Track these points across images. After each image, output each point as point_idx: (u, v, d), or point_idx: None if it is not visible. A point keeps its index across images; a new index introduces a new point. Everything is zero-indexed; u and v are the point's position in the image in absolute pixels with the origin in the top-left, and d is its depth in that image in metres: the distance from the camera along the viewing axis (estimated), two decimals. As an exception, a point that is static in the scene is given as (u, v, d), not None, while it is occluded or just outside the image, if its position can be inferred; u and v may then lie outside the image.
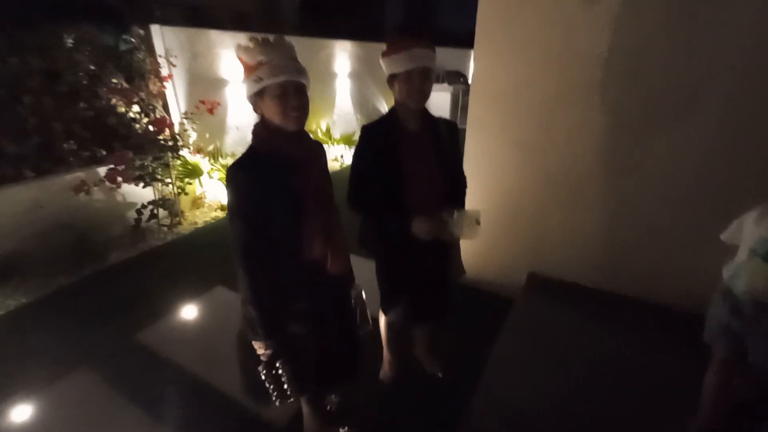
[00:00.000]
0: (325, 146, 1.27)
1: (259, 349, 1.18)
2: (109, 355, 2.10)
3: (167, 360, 2.06)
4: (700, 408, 1.44)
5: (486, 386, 1.70)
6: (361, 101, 7.06)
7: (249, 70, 1.06)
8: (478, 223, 1.38)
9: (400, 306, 1.68)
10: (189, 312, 2.44)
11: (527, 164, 2.24)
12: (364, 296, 1.42)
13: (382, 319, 1.79)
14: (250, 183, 1.05)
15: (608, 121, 1.97)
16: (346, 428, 1.65)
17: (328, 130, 6.01)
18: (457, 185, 1.61)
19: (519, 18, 2.02)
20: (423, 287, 1.63)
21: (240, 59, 1.07)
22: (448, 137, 1.50)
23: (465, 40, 4.29)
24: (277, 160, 1.08)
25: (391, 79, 1.38)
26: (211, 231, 3.64)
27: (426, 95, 1.38)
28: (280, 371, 1.17)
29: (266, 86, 1.04)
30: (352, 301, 1.38)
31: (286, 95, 1.04)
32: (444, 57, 9.04)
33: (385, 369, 1.93)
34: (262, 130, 1.10)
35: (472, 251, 2.45)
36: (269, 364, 1.16)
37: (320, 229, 1.16)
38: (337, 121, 6.52)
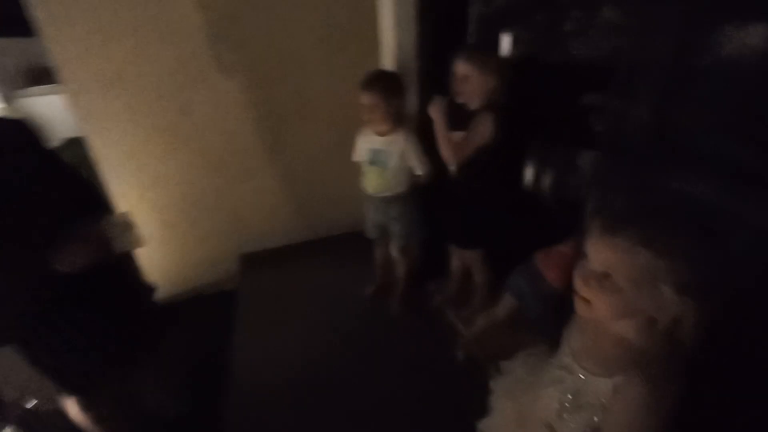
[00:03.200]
0: None
1: None
2: None
3: None
4: None
5: (239, 373, 1.66)
6: None
7: None
8: (131, 227, 1.18)
9: (87, 377, 1.27)
10: None
11: (182, 147, 2.05)
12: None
13: (71, 405, 1.33)
14: None
15: (243, 87, 2.02)
16: None
17: None
18: (83, 192, 1.26)
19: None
20: (104, 337, 1.27)
21: None
22: (25, 145, 1.11)
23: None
24: None
25: None
26: None
27: None
28: None
29: None
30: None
31: None
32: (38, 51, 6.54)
33: None
34: None
35: (168, 260, 2.16)
36: None
37: None
38: None
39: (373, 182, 1.75)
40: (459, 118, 1.47)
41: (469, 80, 1.40)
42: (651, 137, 0.99)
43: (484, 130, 1.41)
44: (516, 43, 1.50)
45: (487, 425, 1.01)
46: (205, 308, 2.27)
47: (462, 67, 1.41)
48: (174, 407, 1.69)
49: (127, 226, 1.16)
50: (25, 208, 1.06)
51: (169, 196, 2.10)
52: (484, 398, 1.06)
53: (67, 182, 1.23)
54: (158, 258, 2.09)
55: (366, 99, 1.59)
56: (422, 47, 1.63)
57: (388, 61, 1.85)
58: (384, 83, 1.59)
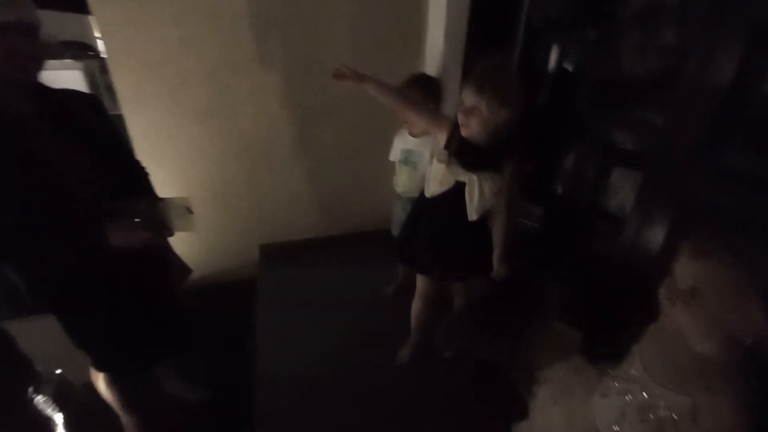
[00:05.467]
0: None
1: None
2: None
3: None
4: None
5: (264, 361, 1.65)
6: None
7: None
8: (189, 211, 1.20)
9: (121, 356, 1.28)
10: None
11: (216, 133, 2.05)
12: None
13: (100, 379, 1.37)
14: None
15: (281, 79, 2.02)
16: None
17: None
18: (134, 173, 1.29)
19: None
20: (142, 318, 1.28)
21: None
22: (93, 115, 1.14)
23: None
24: None
25: None
26: None
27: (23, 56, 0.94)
28: None
29: None
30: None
31: None
32: (51, 24, 6.68)
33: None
34: None
35: (191, 245, 2.15)
36: None
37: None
38: None
39: (403, 182, 1.76)
40: (468, 153, 1.20)
41: (476, 112, 1.13)
42: (695, 156, 1.01)
43: (512, 183, 1.20)
44: (564, 55, 1.52)
45: (526, 429, 1.02)
46: (226, 296, 2.27)
47: (470, 98, 1.13)
48: (196, 394, 1.70)
49: (186, 209, 1.17)
50: (92, 178, 1.07)
51: (199, 180, 2.10)
52: (513, 400, 1.07)
53: (124, 159, 1.25)
54: (181, 243, 2.08)
55: None
56: (469, 53, 1.64)
57: (430, 65, 1.86)
58: (424, 86, 1.60)
